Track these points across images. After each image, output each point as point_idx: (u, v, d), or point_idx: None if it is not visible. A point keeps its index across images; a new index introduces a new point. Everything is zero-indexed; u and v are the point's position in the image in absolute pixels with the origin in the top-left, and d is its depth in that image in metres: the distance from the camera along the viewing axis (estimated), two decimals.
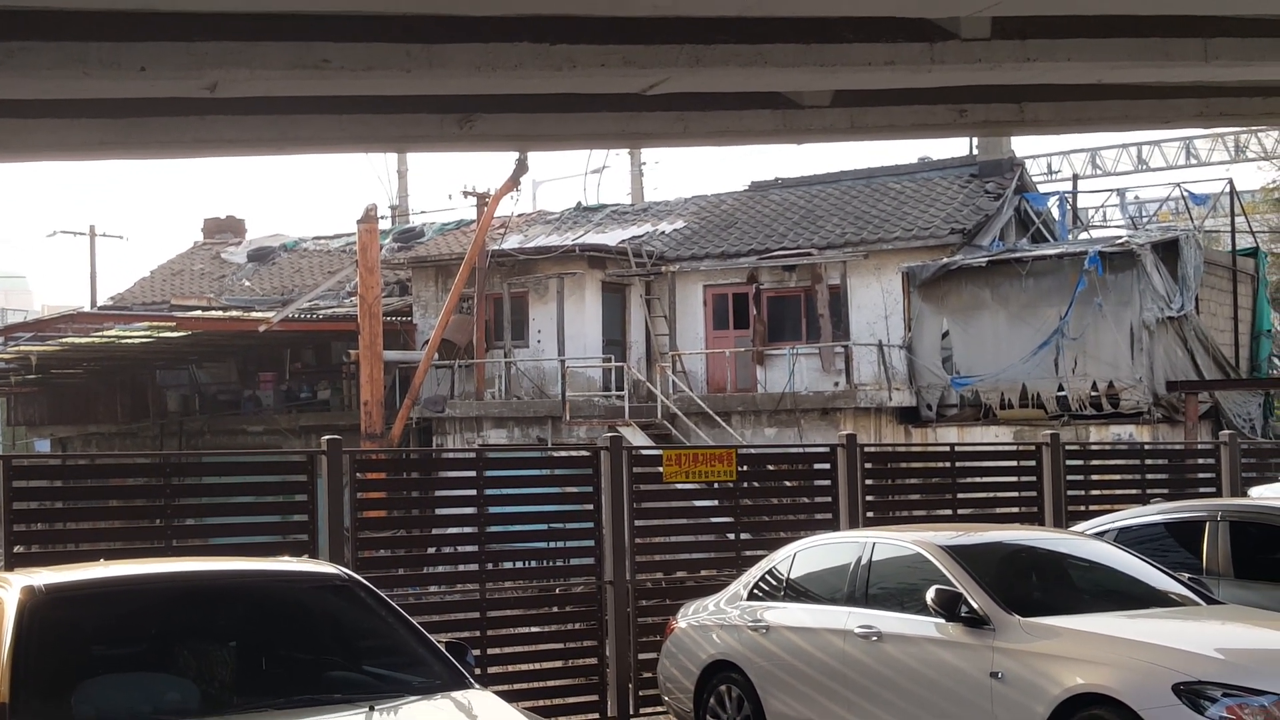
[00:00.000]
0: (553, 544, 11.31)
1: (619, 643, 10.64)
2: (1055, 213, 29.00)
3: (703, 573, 11.12)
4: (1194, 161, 41.14)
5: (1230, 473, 13.29)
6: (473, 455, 12.72)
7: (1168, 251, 23.48)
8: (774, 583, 9.23)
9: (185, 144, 10.04)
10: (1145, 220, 31.06)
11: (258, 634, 5.98)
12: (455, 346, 28.94)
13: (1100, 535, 9.85)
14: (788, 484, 13.11)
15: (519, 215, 33.57)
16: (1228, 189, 27.76)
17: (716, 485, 11.36)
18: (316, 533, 9.70)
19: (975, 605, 7.74)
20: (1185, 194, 29.23)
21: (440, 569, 11.01)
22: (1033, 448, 12.79)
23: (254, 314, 30.82)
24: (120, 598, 5.94)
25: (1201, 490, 13.28)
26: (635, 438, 23.57)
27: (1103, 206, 31.79)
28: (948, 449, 12.66)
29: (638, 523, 10.90)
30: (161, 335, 29.75)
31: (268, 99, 9.62)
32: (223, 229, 42.10)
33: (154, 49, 8.30)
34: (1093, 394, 23.23)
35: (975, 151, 29.19)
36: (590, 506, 10.83)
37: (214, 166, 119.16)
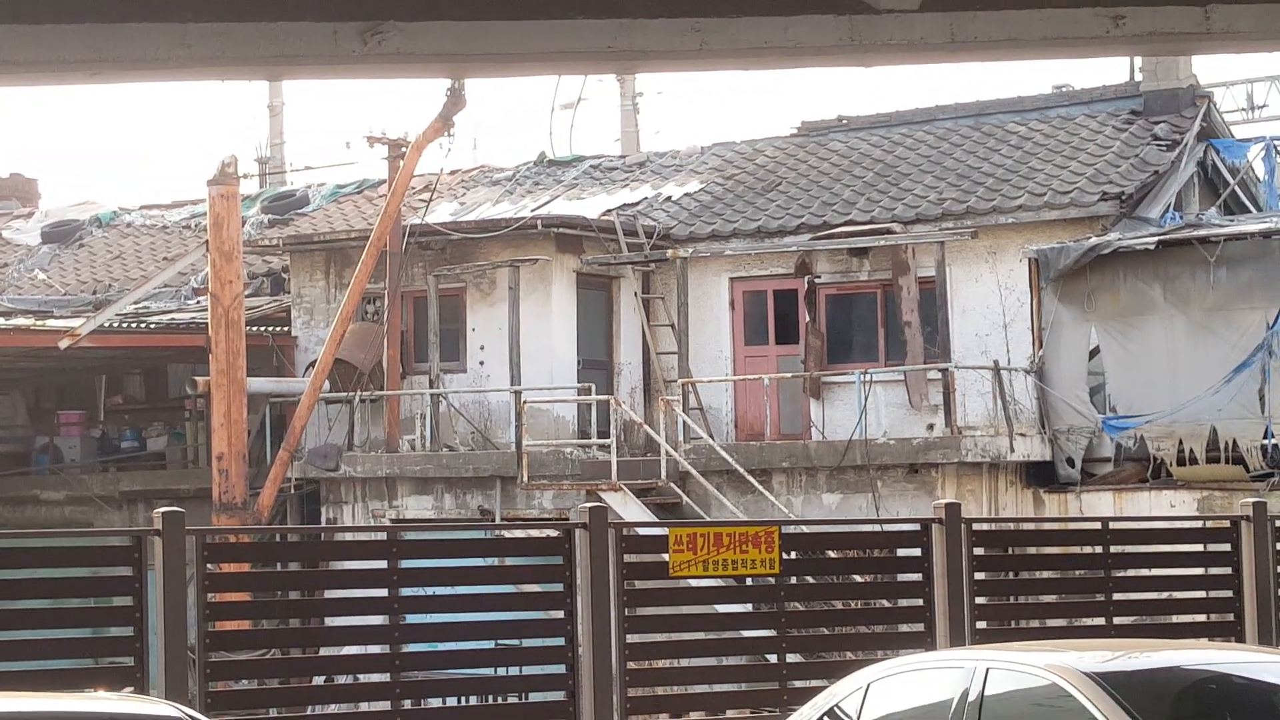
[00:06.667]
0: (504, 671, 11.31)
1: None
2: (1260, 169, 29.06)
3: (729, 714, 11.11)
4: None
5: None
6: (383, 537, 12.72)
7: None
8: None
9: None
10: None
11: None
12: (356, 371, 28.96)
13: None
14: (858, 579, 13.10)
15: (452, 173, 33.64)
16: None
17: (751, 581, 11.35)
18: (146, 654, 9.71)
19: None
20: None
21: (334, 710, 11.00)
22: (1227, 523, 12.81)
23: (51, 322, 30.81)
24: None
25: None
26: (627, 509, 23.57)
27: None
28: (1099, 525, 12.66)
29: (631, 638, 10.90)
30: None
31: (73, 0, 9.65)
32: (4, 194, 42.13)
33: None
34: None
35: (1138, 77, 29.28)
36: (560, 614, 10.83)
37: None
